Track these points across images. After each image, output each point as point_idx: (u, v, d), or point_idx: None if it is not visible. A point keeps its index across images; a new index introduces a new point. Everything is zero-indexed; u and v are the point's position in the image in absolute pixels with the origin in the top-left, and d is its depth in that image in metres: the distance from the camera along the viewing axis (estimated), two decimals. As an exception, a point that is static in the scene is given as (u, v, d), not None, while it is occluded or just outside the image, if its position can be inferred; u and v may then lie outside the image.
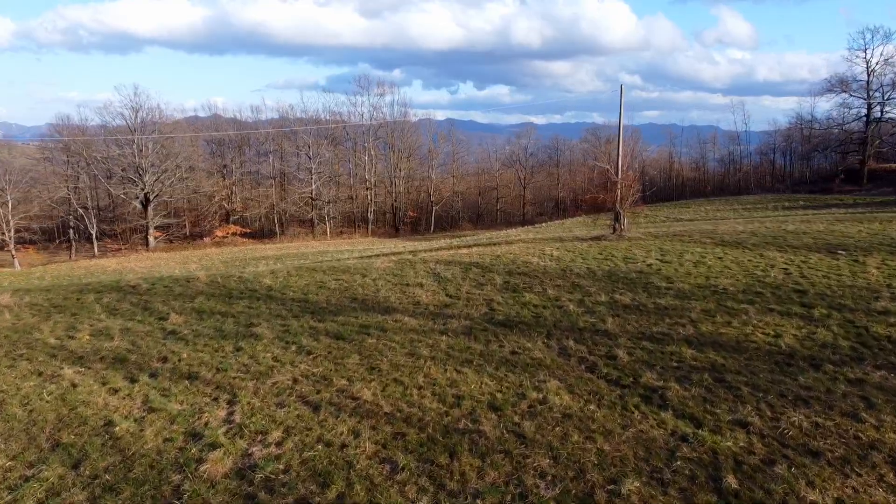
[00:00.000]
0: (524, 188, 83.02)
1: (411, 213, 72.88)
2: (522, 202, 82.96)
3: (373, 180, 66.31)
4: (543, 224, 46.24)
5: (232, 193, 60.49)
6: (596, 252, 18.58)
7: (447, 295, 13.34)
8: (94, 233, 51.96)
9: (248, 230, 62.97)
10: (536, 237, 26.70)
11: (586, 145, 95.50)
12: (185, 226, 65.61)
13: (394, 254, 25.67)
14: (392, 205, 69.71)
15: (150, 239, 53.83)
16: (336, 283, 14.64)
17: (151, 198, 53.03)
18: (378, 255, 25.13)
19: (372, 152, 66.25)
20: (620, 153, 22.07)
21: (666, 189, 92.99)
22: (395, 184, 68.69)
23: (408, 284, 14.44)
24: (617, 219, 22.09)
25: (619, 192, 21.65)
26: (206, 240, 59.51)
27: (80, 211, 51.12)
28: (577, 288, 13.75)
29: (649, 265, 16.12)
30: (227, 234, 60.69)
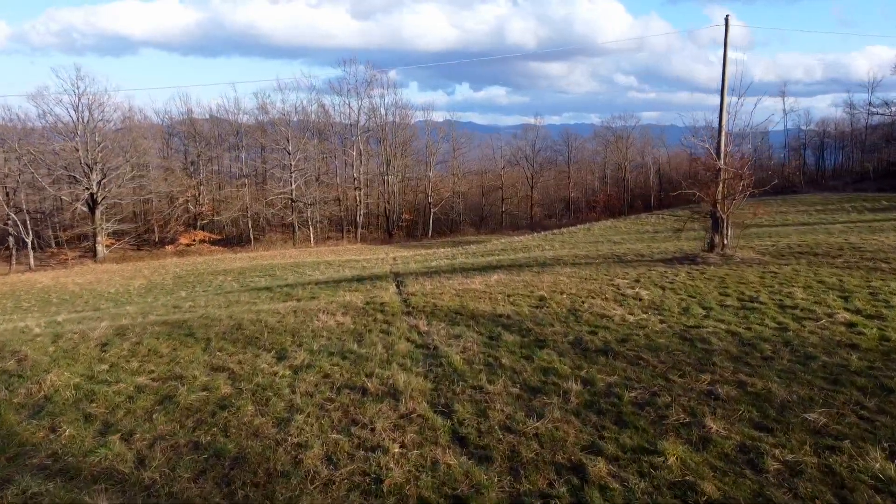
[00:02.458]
0: (532, 188, 75.01)
1: (406, 216, 64.81)
2: (530, 203, 74.96)
3: (362, 179, 58.19)
4: (564, 230, 38.19)
5: (199, 194, 52.40)
6: (715, 291, 10.49)
7: (456, 436, 5.25)
8: (28, 241, 43.83)
9: (218, 237, 54.85)
10: (577, 254, 18.59)
11: (597, 142, 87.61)
12: (152, 230, 57.53)
13: (370, 279, 17.62)
14: (384, 207, 61.63)
15: (99, 248, 45.70)
16: (200, 392, 6.50)
17: (99, 200, 44.89)
18: (341, 283, 17.02)
19: (361, 147, 58.13)
20: (723, 123, 13.98)
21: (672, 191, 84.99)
22: (388, 183, 60.59)
23: (365, 390, 6.33)
24: (717, 228, 14.08)
25: (721, 186, 13.69)
26: (169, 248, 51.38)
27: (13, 215, 43.01)
28: (769, 410, 5.65)
29: (863, 332, 8.02)
30: (194, 241, 52.60)
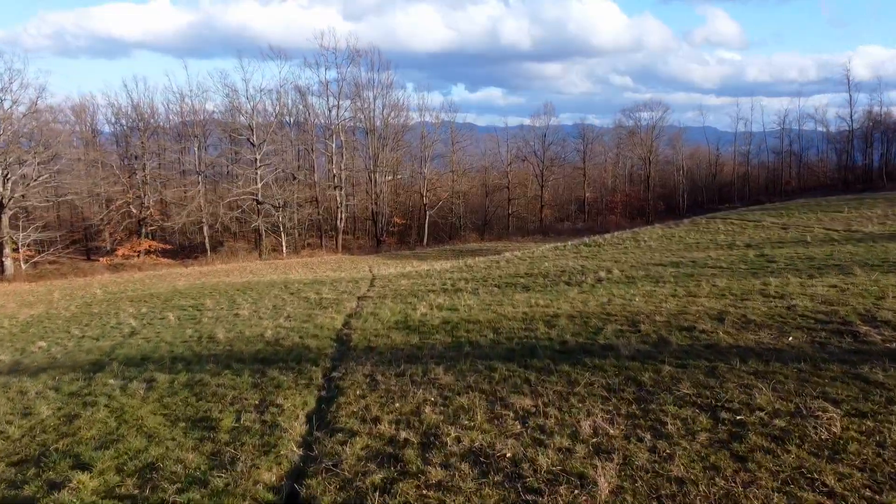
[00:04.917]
0: (542, 187, 65.70)
1: (398, 221, 55.49)
2: (540, 205, 65.67)
3: (343, 176, 48.77)
4: (599, 238, 28.77)
5: (144, 195, 42.98)
6: None
7: None
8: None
9: (169, 246, 45.46)
10: (708, 309, 9.21)
11: (610, 137, 78.13)
12: (93, 238, 48.14)
13: (289, 357, 8.34)
14: (372, 210, 52.25)
15: (7, 262, 36.33)
16: None
17: (6, 202, 35.52)
18: (225, 369, 7.68)
19: (343, 138, 48.73)
20: None
21: (711, 189, 75.72)
22: (376, 181, 51.20)
23: None
24: None
25: None
26: (104, 261, 42.02)
27: None
28: None
29: None
30: (138, 251, 43.21)
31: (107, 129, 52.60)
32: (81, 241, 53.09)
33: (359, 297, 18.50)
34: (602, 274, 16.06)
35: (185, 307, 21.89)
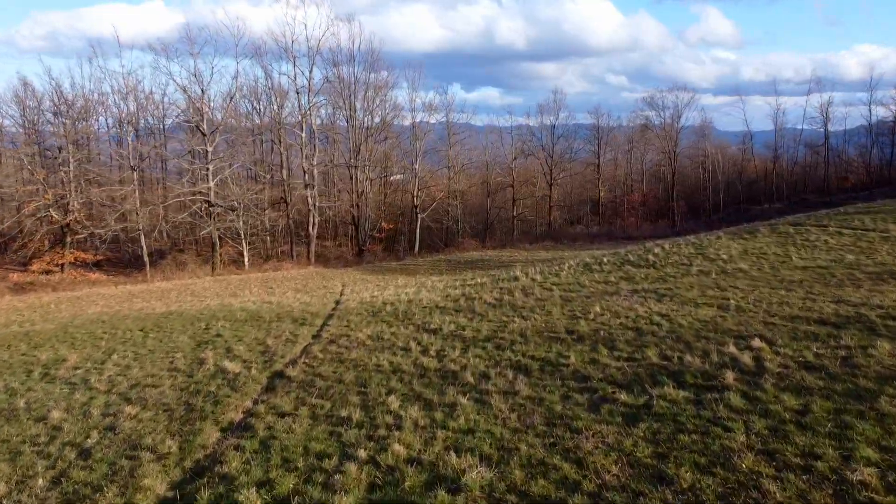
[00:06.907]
0: (550, 186, 57.67)
1: (385, 226, 47.44)
2: (549, 205, 57.66)
3: (314, 173, 40.61)
4: (648, 253, 20.58)
5: (68, 196, 34.90)
6: None
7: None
8: None
9: (102, 257, 37.34)
10: None
11: (621, 133, 69.93)
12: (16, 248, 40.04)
13: None
14: (353, 213, 44.15)
15: None
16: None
17: None
18: None
19: (314, 127, 40.57)
20: None
21: (753, 187, 67.67)
22: (357, 179, 43.10)
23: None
24: None
25: None
26: (13, 277, 33.93)
27: None
28: None
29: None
30: (61, 264, 35.16)
31: (50, 118, 44.67)
32: (18, 251, 45.14)
33: (273, 375, 10.47)
34: (733, 349, 8.05)
35: (30, 368, 14.20)
